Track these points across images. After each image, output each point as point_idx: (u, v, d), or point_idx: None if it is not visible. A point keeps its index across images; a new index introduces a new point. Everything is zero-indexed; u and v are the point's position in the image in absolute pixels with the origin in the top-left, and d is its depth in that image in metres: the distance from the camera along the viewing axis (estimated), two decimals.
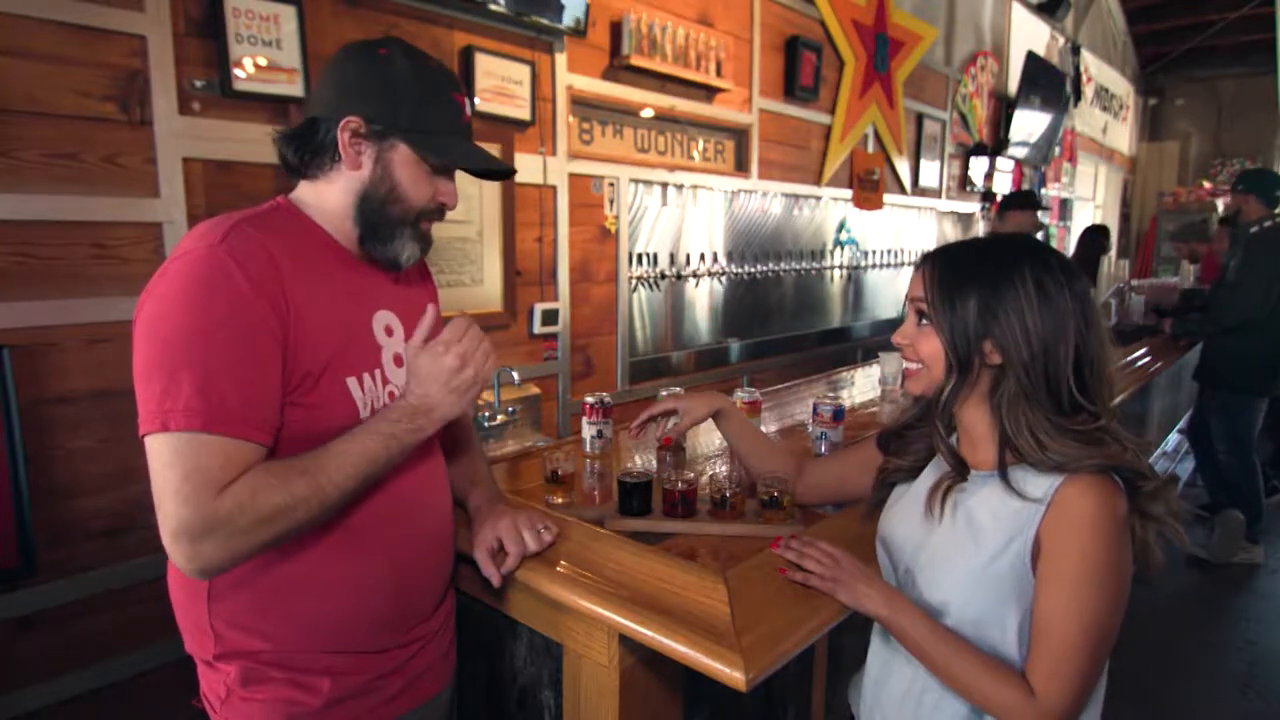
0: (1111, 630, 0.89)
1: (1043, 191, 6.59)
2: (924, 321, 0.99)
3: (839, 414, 1.69)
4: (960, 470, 1.00)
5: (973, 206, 5.64)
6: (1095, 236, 5.73)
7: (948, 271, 0.97)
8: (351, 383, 0.97)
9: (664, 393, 1.70)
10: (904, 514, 1.08)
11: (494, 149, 2.44)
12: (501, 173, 1.10)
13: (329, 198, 1.00)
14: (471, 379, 1.01)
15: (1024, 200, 3.97)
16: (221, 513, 0.83)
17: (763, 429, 1.86)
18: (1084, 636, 0.87)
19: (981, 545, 0.95)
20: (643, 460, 1.65)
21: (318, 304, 0.94)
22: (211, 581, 0.93)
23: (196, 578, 0.87)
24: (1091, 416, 0.93)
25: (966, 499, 0.99)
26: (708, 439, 1.85)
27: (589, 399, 1.60)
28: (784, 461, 1.35)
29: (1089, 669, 0.88)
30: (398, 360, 1.04)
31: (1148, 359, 3.17)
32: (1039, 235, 4.31)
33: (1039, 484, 0.92)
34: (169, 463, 0.83)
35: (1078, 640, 0.88)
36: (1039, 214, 3.96)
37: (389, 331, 1.05)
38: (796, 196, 3.89)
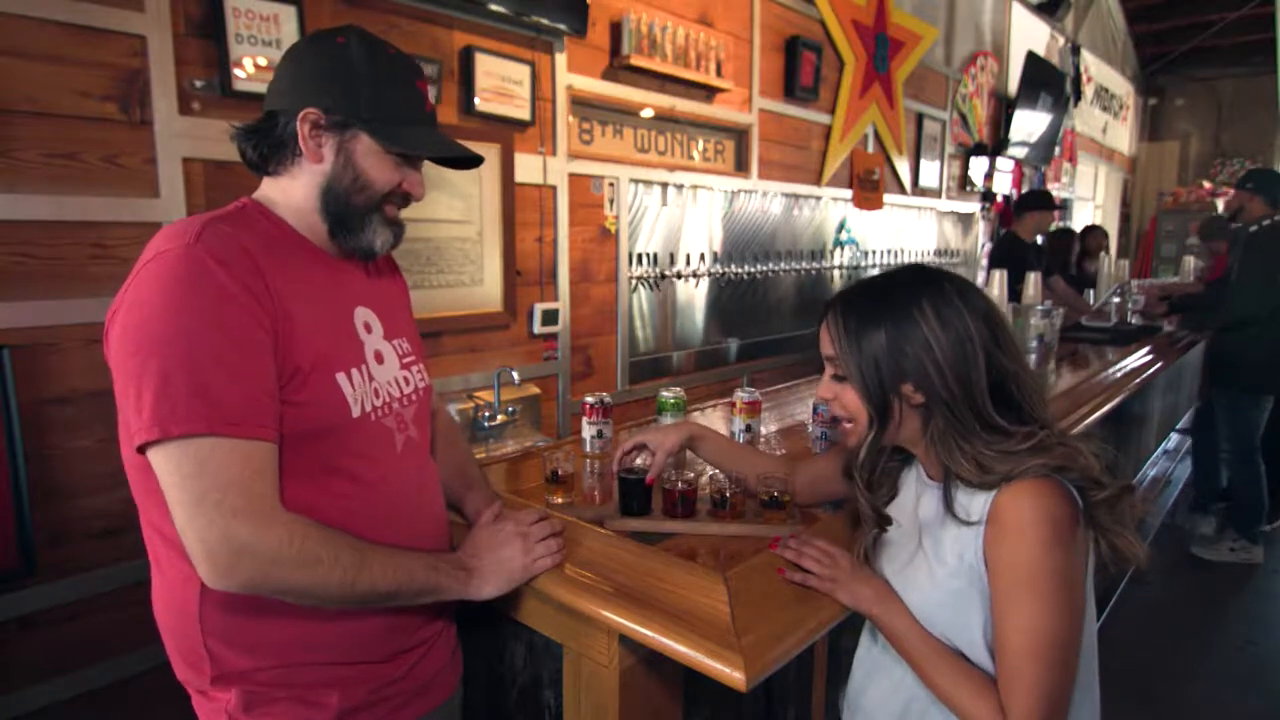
0: (1063, 637, 0.86)
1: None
2: (839, 374, 0.98)
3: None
4: (880, 523, 1.02)
5: (973, 206, 5.64)
6: (1063, 238, 5.34)
7: (850, 320, 0.96)
8: (341, 378, 0.95)
9: (665, 393, 1.70)
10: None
11: (494, 149, 2.44)
12: (469, 161, 1.06)
13: (294, 193, 0.98)
14: (520, 566, 1.05)
15: (1041, 201, 4.05)
16: (270, 536, 0.83)
17: (762, 429, 1.86)
18: (1032, 647, 0.85)
19: (940, 561, 0.95)
20: (642, 460, 1.65)
21: (301, 299, 0.92)
22: (203, 598, 0.90)
23: (221, 589, 0.85)
24: (1039, 427, 0.91)
25: (929, 514, 0.99)
26: None
27: (589, 399, 1.60)
28: (774, 465, 1.35)
29: (1047, 679, 0.86)
30: (378, 357, 1.03)
31: (1147, 359, 3.17)
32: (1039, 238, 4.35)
33: (982, 500, 0.91)
34: (193, 473, 0.81)
35: (1026, 652, 0.86)
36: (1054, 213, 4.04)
37: (368, 328, 1.03)
38: (796, 196, 3.88)
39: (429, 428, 1.15)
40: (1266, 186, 3.40)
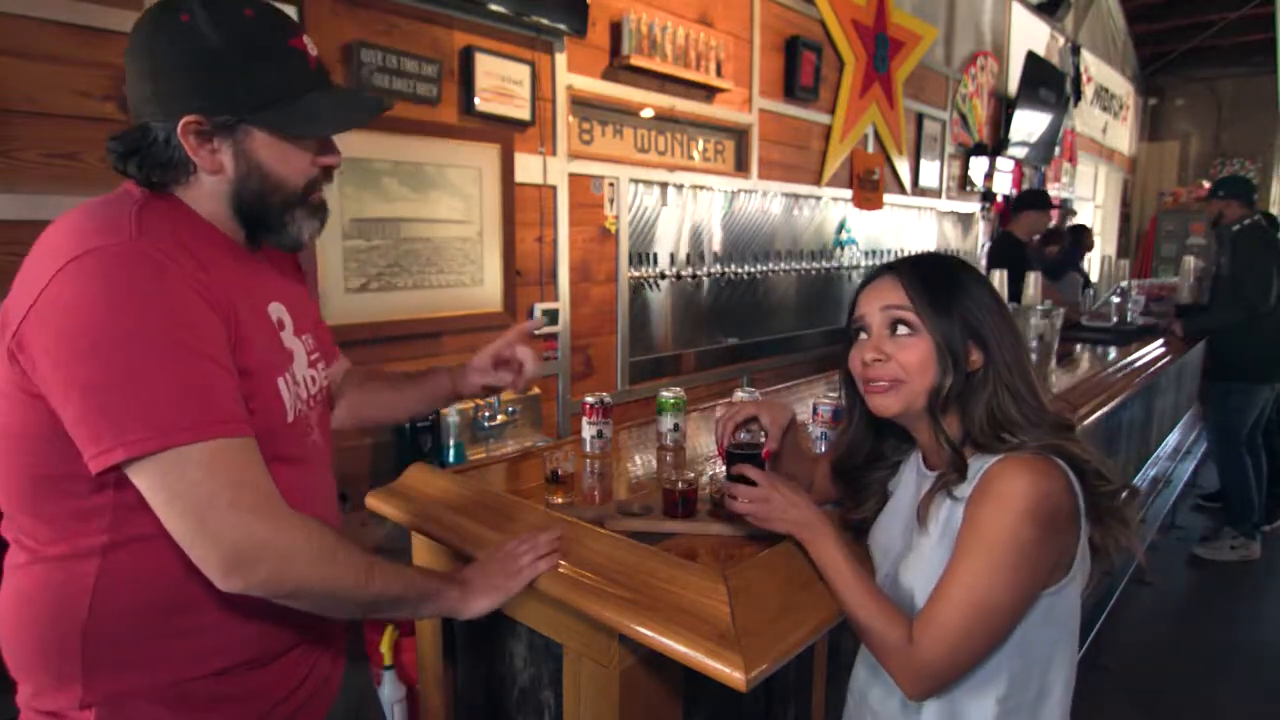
0: (1000, 607, 0.88)
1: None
2: (902, 330, 0.98)
3: (839, 414, 1.69)
4: (959, 466, 0.99)
5: (973, 206, 5.64)
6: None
7: (930, 277, 0.99)
8: (280, 383, 0.90)
9: (665, 393, 1.70)
10: (885, 525, 1.11)
11: (494, 149, 2.43)
12: (374, 107, 0.95)
13: (201, 204, 0.88)
14: (512, 575, 1.05)
15: (1037, 200, 4.07)
16: (287, 532, 0.80)
17: None
18: (965, 600, 0.88)
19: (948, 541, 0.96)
20: (642, 460, 1.65)
21: (236, 297, 0.86)
22: (92, 614, 0.82)
23: (234, 591, 0.79)
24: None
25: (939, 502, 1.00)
26: (708, 439, 1.85)
27: (589, 399, 1.60)
28: (808, 466, 1.34)
29: (963, 633, 0.88)
30: (290, 356, 0.97)
31: (1147, 359, 3.17)
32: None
33: (979, 472, 0.93)
34: (199, 479, 0.76)
35: (957, 603, 0.88)
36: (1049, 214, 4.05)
37: (280, 325, 0.96)
38: (796, 196, 3.89)
39: (330, 431, 1.09)
40: (1237, 191, 3.55)
